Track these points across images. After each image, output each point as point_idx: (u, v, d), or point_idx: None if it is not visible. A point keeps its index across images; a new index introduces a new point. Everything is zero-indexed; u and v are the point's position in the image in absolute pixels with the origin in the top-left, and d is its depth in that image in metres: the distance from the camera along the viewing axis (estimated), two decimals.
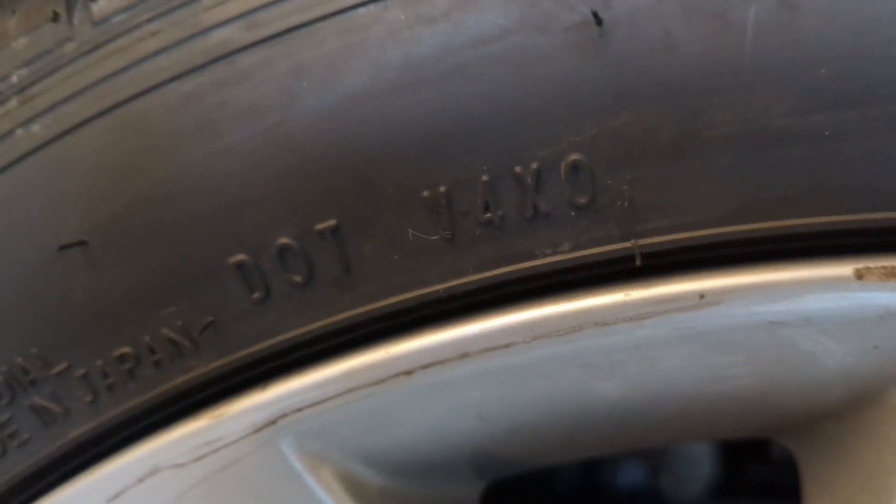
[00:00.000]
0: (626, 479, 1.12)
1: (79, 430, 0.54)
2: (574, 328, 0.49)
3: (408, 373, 0.51)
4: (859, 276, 0.48)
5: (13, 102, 0.50)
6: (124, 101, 0.49)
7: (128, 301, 0.51)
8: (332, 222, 0.48)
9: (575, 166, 0.46)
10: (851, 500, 0.59)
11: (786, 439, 0.65)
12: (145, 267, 0.51)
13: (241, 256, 0.49)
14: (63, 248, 0.50)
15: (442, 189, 0.47)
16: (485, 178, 0.47)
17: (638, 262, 0.47)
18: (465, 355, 0.50)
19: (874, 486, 0.57)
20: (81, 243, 0.50)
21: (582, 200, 0.47)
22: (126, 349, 0.52)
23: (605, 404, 0.55)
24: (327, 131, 0.47)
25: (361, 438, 0.54)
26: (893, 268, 0.48)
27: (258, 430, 0.53)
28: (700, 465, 1.14)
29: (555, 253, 0.48)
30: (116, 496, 0.54)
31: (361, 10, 0.46)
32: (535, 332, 0.49)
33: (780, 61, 0.45)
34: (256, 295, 0.50)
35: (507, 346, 0.49)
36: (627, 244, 0.48)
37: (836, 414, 0.58)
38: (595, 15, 0.44)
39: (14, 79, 0.50)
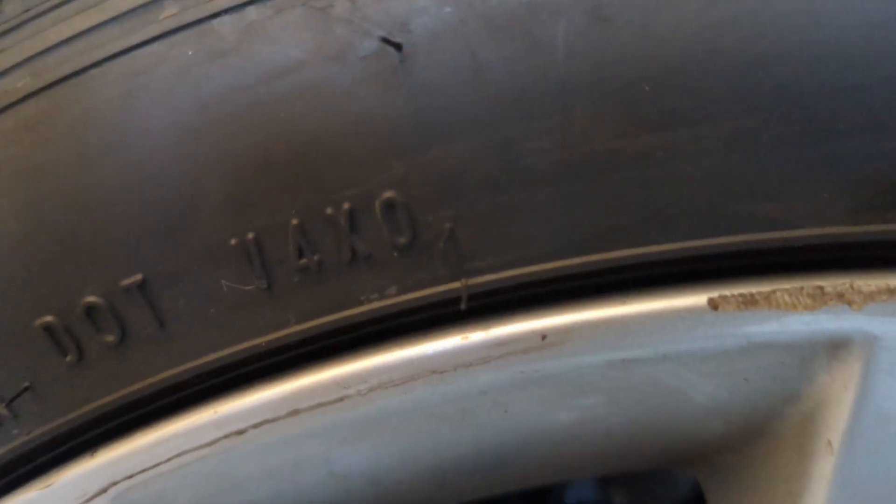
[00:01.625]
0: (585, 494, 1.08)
1: None
2: (410, 377, 0.45)
3: (239, 433, 0.47)
4: (714, 305, 0.44)
5: None
6: None
7: None
8: (138, 277, 0.44)
9: (390, 205, 0.42)
10: None
11: (689, 469, 0.60)
12: None
13: (48, 318, 0.46)
14: None
15: (250, 236, 0.43)
16: (295, 221, 0.43)
17: (463, 306, 0.43)
18: (295, 412, 0.46)
19: None
20: None
21: (402, 241, 0.43)
22: None
23: (467, 451, 0.51)
24: (122, 182, 0.43)
25: (207, 503, 0.50)
26: (751, 295, 0.44)
27: (90, 499, 0.49)
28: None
29: (382, 297, 0.44)
30: None
31: (146, 50, 0.43)
32: (369, 383, 0.45)
33: (597, 80, 0.40)
34: (70, 357, 0.46)
35: (339, 399, 0.45)
36: (457, 284, 0.44)
37: (729, 446, 0.54)
38: (389, 41, 0.40)
39: None
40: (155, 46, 0.43)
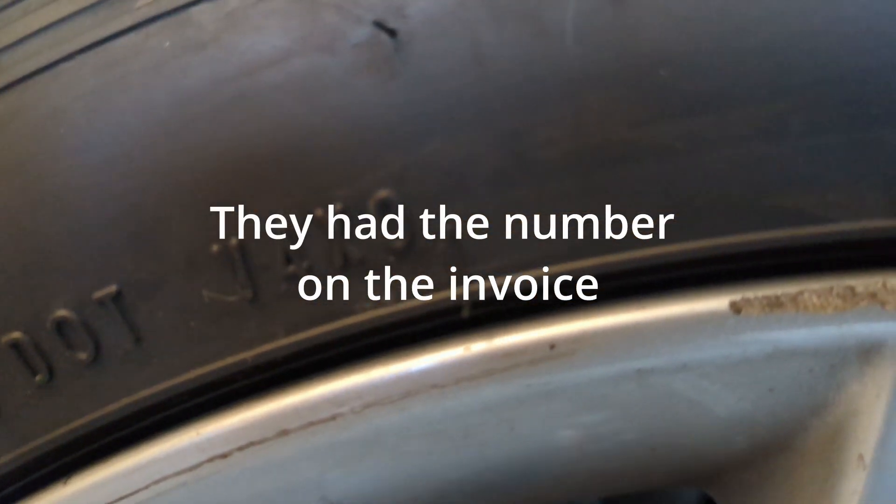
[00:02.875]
0: None
1: None
2: (408, 392, 0.41)
3: (224, 456, 0.43)
4: (737, 309, 0.40)
5: None
6: None
7: None
8: (112, 288, 0.41)
9: (385, 204, 0.39)
10: None
11: (703, 487, 0.57)
12: None
13: (15, 335, 0.42)
14: None
15: (233, 242, 0.40)
16: (281, 225, 0.39)
17: (466, 314, 0.39)
18: (285, 432, 0.42)
19: None
20: None
21: (399, 244, 0.39)
22: None
23: (470, 473, 0.47)
24: (95, 184, 0.40)
25: None
26: (777, 297, 0.41)
27: None
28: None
29: (377, 306, 0.41)
30: None
31: (120, 41, 0.39)
32: (364, 400, 0.42)
33: (610, 65, 0.37)
34: (39, 377, 0.43)
35: (332, 418, 0.42)
36: (459, 291, 0.40)
37: (747, 462, 0.50)
38: (382, 27, 0.36)
39: None
40: (129, 38, 0.39)
